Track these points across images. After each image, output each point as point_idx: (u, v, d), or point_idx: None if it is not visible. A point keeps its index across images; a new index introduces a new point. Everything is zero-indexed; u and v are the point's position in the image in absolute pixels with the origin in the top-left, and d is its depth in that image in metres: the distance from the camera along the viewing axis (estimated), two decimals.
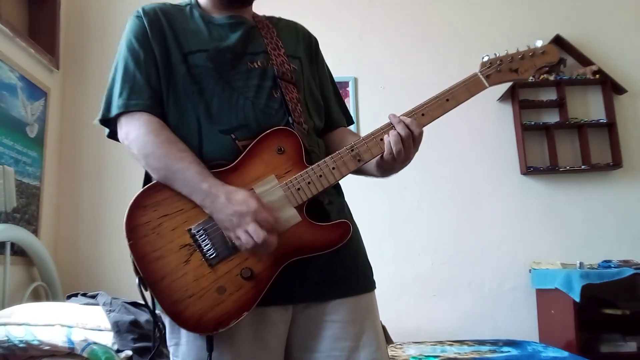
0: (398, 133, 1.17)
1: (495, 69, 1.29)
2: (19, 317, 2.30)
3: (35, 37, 3.36)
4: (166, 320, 1.18)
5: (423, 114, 1.22)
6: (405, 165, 1.23)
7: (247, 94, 1.23)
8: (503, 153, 3.67)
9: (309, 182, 1.16)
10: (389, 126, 1.21)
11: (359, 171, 1.28)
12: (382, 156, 1.20)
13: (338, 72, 3.43)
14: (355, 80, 3.73)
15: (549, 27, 3.67)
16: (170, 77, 1.23)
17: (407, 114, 1.22)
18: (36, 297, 3.07)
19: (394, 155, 1.18)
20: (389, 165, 1.22)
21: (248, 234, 1.05)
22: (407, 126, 1.18)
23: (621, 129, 3.63)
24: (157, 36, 1.25)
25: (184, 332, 1.14)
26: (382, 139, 1.20)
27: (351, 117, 1.51)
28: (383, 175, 1.28)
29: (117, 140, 1.23)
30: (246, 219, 1.06)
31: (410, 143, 1.18)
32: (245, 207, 1.07)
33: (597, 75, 3.66)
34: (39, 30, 3.43)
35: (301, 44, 1.42)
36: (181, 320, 1.07)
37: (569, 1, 3.85)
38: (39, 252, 3.02)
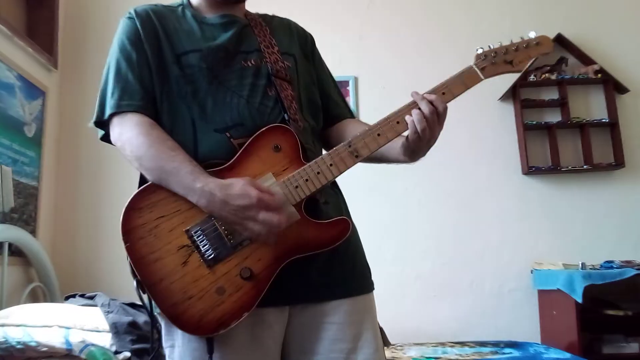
0: (421, 111, 1.16)
1: (489, 61, 1.28)
2: (17, 318, 2.29)
3: (34, 36, 3.35)
4: (162, 322, 1.16)
5: (443, 93, 1.21)
6: (432, 144, 1.22)
7: (241, 93, 1.22)
8: (504, 153, 3.65)
9: (306, 180, 1.14)
10: (399, 113, 1.19)
11: (385, 159, 1.29)
12: (407, 137, 1.19)
13: (338, 72, 3.41)
14: (356, 80, 3.72)
15: (550, 26, 3.65)
16: (163, 78, 1.22)
17: (405, 107, 1.21)
18: (34, 298, 3.06)
19: (419, 134, 1.16)
20: (415, 146, 1.21)
21: (259, 223, 1.05)
22: (431, 102, 1.17)
23: (623, 128, 3.62)
24: (149, 37, 1.24)
25: (179, 334, 1.12)
26: (379, 134, 1.19)
27: (352, 112, 1.50)
28: (411, 159, 1.26)
29: (110, 142, 1.22)
30: (252, 211, 1.05)
31: (434, 120, 1.17)
32: (248, 199, 1.05)
33: (599, 75, 3.64)
34: (37, 29, 3.42)
35: (295, 41, 1.41)
36: (181, 322, 1.06)
37: (570, 0, 3.84)
38: (37, 253, 3.00)
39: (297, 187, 1.13)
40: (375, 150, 1.19)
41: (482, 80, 1.27)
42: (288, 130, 1.18)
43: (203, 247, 1.08)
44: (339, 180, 1.23)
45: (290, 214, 1.12)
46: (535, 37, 1.30)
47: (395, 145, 1.23)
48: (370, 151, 1.19)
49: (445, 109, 1.18)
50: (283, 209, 1.09)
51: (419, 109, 1.17)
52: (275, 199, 1.08)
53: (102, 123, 1.22)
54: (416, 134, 1.17)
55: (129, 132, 1.16)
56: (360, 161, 1.20)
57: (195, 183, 1.08)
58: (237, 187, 1.07)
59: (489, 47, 1.29)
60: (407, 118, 1.17)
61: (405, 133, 1.20)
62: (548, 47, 1.31)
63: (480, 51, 1.29)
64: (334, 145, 1.21)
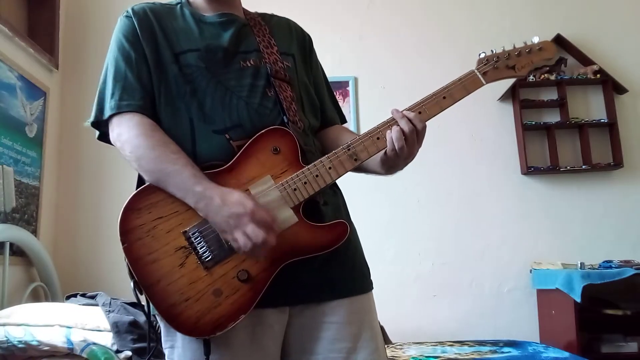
0: (401, 129, 1.16)
1: (492, 66, 1.28)
2: (18, 317, 2.30)
3: (35, 36, 3.36)
4: (161, 323, 1.16)
5: (420, 112, 1.21)
6: (409, 161, 1.21)
7: (240, 94, 1.21)
8: (503, 153, 3.66)
9: (305, 182, 1.14)
10: (389, 123, 1.19)
11: (363, 169, 1.27)
12: (385, 152, 1.19)
13: (338, 72, 3.48)
14: (355, 80, 3.71)
15: (549, 27, 3.65)
16: (161, 77, 1.21)
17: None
18: (35, 297, 3.07)
19: (396, 151, 1.16)
20: (392, 162, 1.21)
21: (246, 235, 1.04)
22: (410, 121, 1.16)
23: (622, 128, 3.62)
24: (147, 36, 1.23)
25: (179, 335, 1.12)
26: (379, 138, 1.19)
27: (344, 116, 1.50)
28: (387, 172, 1.26)
29: (109, 142, 1.21)
30: (243, 220, 1.04)
31: (413, 139, 1.17)
32: (242, 208, 1.05)
33: (598, 75, 3.64)
34: (38, 29, 3.43)
35: (295, 41, 1.41)
36: (177, 324, 1.06)
37: (570, 1, 3.84)
38: (38, 253, 3.01)
39: (295, 189, 1.13)
40: (374, 153, 1.19)
41: (484, 85, 1.27)
42: (287, 133, 1.18)
43: (200, 249, 1.08)
44: (340, 179, 1.23)
45: (288, 217, 1.12)
46: (538, 42, 1.30)
47: (374, 158, 1.22)
48: (370, 155, 1.19)
49: (424, 127, 1.18)
50: (274, 231, 1.07)
51: (399, 126, 1.16)
52: (271, 217, 1.07)
53: (99, 123, 1.21)
54: (394, 152, 1.17)
55: (129, 132, 1.15)
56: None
57: (195, 186, 1.08)
58: (236, 196, 1.07)
59: (491, 51, 1.29)
60: (387, 134, 1.17)
61: None
62: (551, 53, 1.31)
63: (482, 55, 1.29)
64: (324, 149, 1.22)
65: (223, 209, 1.06)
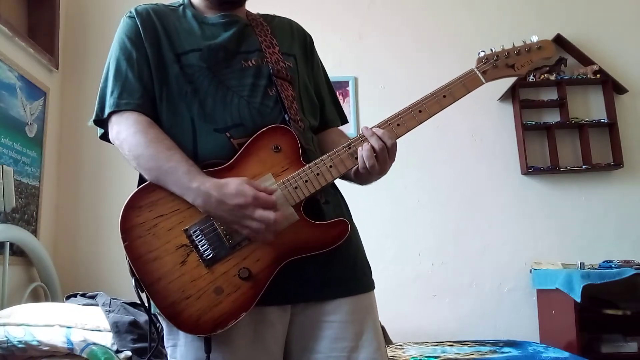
0: (371, 146, 1.16)
1: (491, 65, 1.28)
2: (18, 317, 2.30)
3: (35, 36, 3.36)
4: (164, 321, 1.16)
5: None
6: (382, 176, 1.22)
7: (241, 93, 1.22)
8: (503, 153, 3.66)
9: (306, 181, 1.15)
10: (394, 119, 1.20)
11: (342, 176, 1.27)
12: (357, 168, 1.19)
13: (338, 72, 3.49)
14: (355, 80, 3.72)
15: (549, 27, 3.65)
16: (163, 77, 1.22)
17: (404, 111, 1.22)
18: (35, 297, 3.07)
19: (367, 169, 1.17)
20: (364, 177, 1.22)
21: (257, 221, 1.05)
22: (380, 138, 1.17)
23: (622, 128, 3.62)
24: (149, 36, 1.24)
25: (182, 333, 1.12)
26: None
27: (345, 116, 1.50)
28: (361, 184, 1.27)
29: (109, 141, 1.22)
30: (249, 209, 1.06)
31: (384, 156, 1.17)
32: (243, 198, 1.06)
33: (598, 75, 3.65)
34: (39, 30, 3.43)
35: (296, 41, 1.41)
36: (178, 322, 1.06)
37: (570, 1, 3.85)
38: (38, 253, 3.01)
39: (296, 188, 1.14)
40: None
41: (483, 83, 1.28)
42: (288, 131, 1.18)
43: (202, 246, 1.09)
44: (340, 179, 1.23)
45: (289, 214, 1.12)
46: (537, 41, 1.31)
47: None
48: None
49: (394, 144, 1.18)
50: (280, 206, 1.09)
51: (370, 144, 1.16)
52: (272, 197, 1.09)
53: (102, 121, 1.22)
54: (365, 169, 1.17)
55: (126, 130, 1.16)
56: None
57: (191, 183, 1.08)
58: (233, 186, 1.07)
59: (491, 50, 1.30)
60: (358, 151, 1.17)
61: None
62: (550, 52, 1.32)
63: (482, 54, 1.30)
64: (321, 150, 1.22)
65: (224, 203, 1.07)
